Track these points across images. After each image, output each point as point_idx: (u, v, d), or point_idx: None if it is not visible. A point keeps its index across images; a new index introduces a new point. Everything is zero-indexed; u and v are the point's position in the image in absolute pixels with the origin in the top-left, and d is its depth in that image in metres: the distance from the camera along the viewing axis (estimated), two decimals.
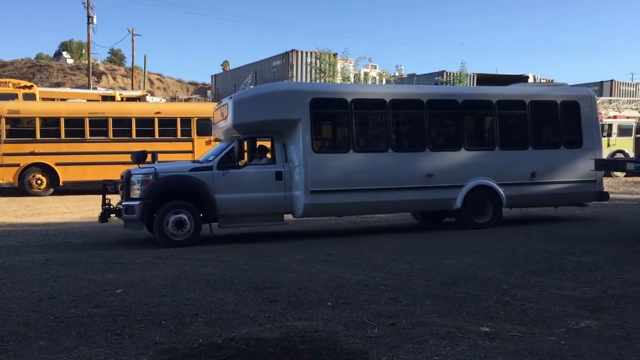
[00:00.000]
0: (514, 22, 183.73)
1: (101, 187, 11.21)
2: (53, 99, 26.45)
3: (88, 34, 39.42)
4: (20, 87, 26.01)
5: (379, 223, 13.30)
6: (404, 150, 11.64)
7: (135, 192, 9.96)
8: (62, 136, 19.32)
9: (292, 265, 8.15)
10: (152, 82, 60.79)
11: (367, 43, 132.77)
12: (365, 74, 37.02)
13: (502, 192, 11.63)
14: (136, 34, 46.15)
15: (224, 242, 10.51)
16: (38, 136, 19.20)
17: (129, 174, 10.18)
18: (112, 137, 19.68)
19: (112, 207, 10.47)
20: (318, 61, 33.75)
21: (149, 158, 10.35)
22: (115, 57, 73.15)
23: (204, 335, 4.93)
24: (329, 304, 5.92)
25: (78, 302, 6.01)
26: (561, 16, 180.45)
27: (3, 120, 18.90)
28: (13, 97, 23.69)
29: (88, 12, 38.75)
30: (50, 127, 19.34)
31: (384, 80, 38.02)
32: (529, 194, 12.02)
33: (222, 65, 65.24)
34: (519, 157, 12.02)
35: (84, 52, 60.72)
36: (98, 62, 59.78)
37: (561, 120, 12.49)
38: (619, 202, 16.63)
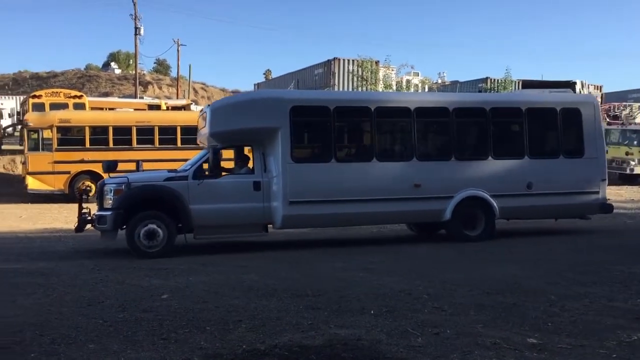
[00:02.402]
0: (563, 26, 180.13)
1: (77, 196, 10.87)
2: (102, 109, 27.20)
3: (135, 45, 40.44)
4: (70, 97, 26.87)
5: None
6: (389, 159, 11.12)
7: (108, 202, 9.76)
8: (110, 144, 19.81)
9: (334, 273, 8.16)
10: (196, 91, 61.83)
11: (409, 50, 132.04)
12: (408, 81, 36.85)
13: (495, 204, 10.97)
14: (181, 44, 47.11)
15: (264, 249, 10.58)
16: (87, 144, 19.73)
17: (102, 184, 10.05)
18: (158, 145, 20.07)
19: (87, 216, 10.25)
20: (360, 69, 33.73)
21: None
22: (161, 67, 74.72)
23: (248, 342, 4.97)
24: (372, 312, 5.90)
25: (126, 306, 6.15)
26: (612, 21, 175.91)
27: (55, 129, 19.52)
28: (64, 106, 24.49)
29: (135, 23, 39.70)
30: (99, 136, 19.87)
31: (426, 87, 37.75)
32: (525, 205, 11.26)
33: (264, 73, 66.01)
34: (514, 167, 11.34)
35: (131, 62, 62.20)
36: (144, 72, 61.24)
37: (560, 128, 11.71)
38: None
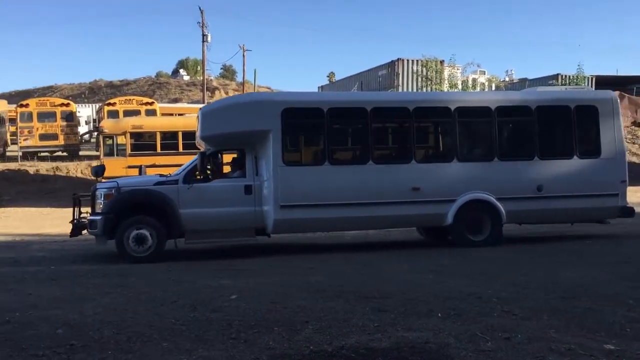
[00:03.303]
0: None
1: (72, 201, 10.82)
2: (172, 114, 28.11)
3: (203, 52, 41.53)
4: (142, 104, 27.93)
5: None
6: (386, 162, 10.68)
7: (99, 206, 9.80)
8: (180, 149, 20.41)
9: (401, 275, 8.11)
10: None
11: (475, 49, 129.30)
12: (474, 80, 36.12)
13: (501, 207, 10.42)
14: (246, 50, 48.07)
15: (332, 251, 10.63)
16: (158, 149, 20.43)
17: (94, 189, 10.08)
18: None
19: (82, 221, 10.26)
20: (424, 69, 33.37)
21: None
22: (227, 73, 76.35)
23: (315, 343, 5.01)
24: (439, 315, 5.82)
25: (196, 306, 6.32)
26: None
27: (128, 135, 20.32)
28: (136, 113, 25.47)
29: (203, 31, 40.80)
30: (169, 141, 20.53)
31: (493, 86, 36.88)
32: (535, 209, 10.65)
33: (328, 76, 66.20)
34: (522, 168, 10.75)
35: (199, 69, 63.94)
36: (212, 77, 62.76)
37: (575, 127, 10.96)
38: None
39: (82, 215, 10.49)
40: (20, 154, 27.53)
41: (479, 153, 11.23)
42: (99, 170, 10.54)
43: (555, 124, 11.44)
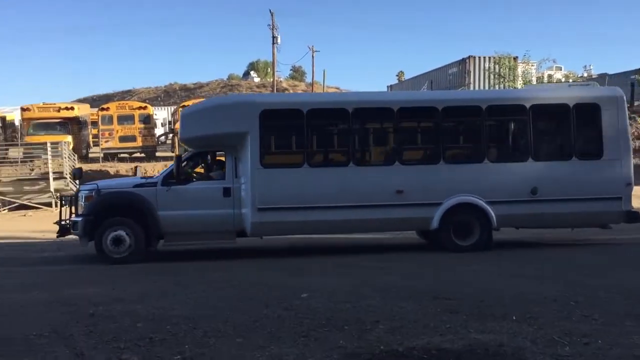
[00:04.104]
0: None
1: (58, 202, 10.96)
2: None
3: (273, 54, 42.19)
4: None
5: (569, 234, 12.40)
6: (368, 164, 10.49)
7: (80, 208, 10.03)
8: None
9: (475, 276, 7.97)
10: None
11: (551, 44, 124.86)
12: (549, 76, 34.93)
13: (491, 211, 10.01)
14: (315, 51, 48.41)
15: (407, 251, 10.55)
16: None
17: (78, 190, 10.19)
18: None
19: (68, 222, 10.43)
20: (497, 66, 32.57)
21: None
22: (297, 74, 77.14)
23: (385, 343, 5.00)
24: (514, 318, 5.67)
25: (269, 304, 6.44)
26: None
27: None
28: None
29: (273, 33, 41.42)
30: None
31: (570, 80, 35.51)
32: (529, 212, 10.13)
33: (397, 75, 65.75)
34: (515, 170, 10.26)
35: (269, 70, 64.99)
36: (281, 79, 63.60)
37: (574, 127, 10.38)
38: None
39: (63, 218, 10.66)
40: (102, 155, 28.90)
41: (467, 154, 10.92)
42: (76, 173, 10.88)
43: (552, 123, 11.04)
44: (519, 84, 31.22)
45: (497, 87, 31.50)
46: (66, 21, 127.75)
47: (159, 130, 36.17)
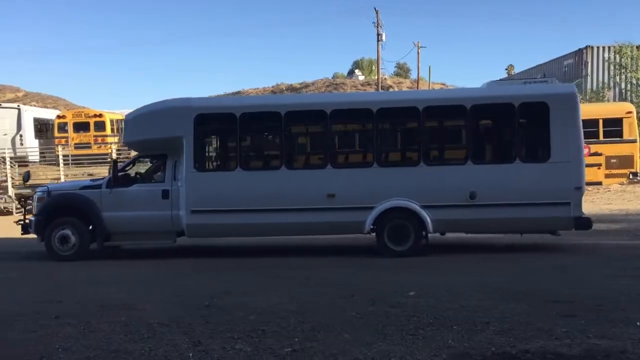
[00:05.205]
0: None
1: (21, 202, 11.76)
2: None
3: (377, 51, 42.12)
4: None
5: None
6: (299, 167, 10.51)
7: (34, 209, 10.69)
8: None
9: (592, 278, 7.56)
10: None
11: None
12: None
13: (426, 216, 9.56)
14: (421, 47, 47.79)
15: (503, 252, 10.19)
16: None
17: (35, 192, 10.62)
18: None
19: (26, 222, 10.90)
20: (617, 56, 30.53)
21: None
22: (401, 71, 76.56)
23: (497, 344, 4.87)
24: (637, 323, 5.32)
25: (375, 301, 6.47)
26: None
27: None
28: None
29: (378, 30, 41.40)
30: None
31: None
32: (467, 218, 9.55)
33: (506, 69, 63.44)
34: (451, 173, 9.70)
35: (373, 68, 64.96)
36: (386, 76, 63.38)
37: (517, 128, 9.75)
38: None
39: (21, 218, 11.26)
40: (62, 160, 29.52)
41: (402, 157, 10.68)
42: (25, 176, 11.81)
43: (494, 124, 10.59)
44: None
45: (617, 78, 29.57)
46: (178, 27, 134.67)
47: None
